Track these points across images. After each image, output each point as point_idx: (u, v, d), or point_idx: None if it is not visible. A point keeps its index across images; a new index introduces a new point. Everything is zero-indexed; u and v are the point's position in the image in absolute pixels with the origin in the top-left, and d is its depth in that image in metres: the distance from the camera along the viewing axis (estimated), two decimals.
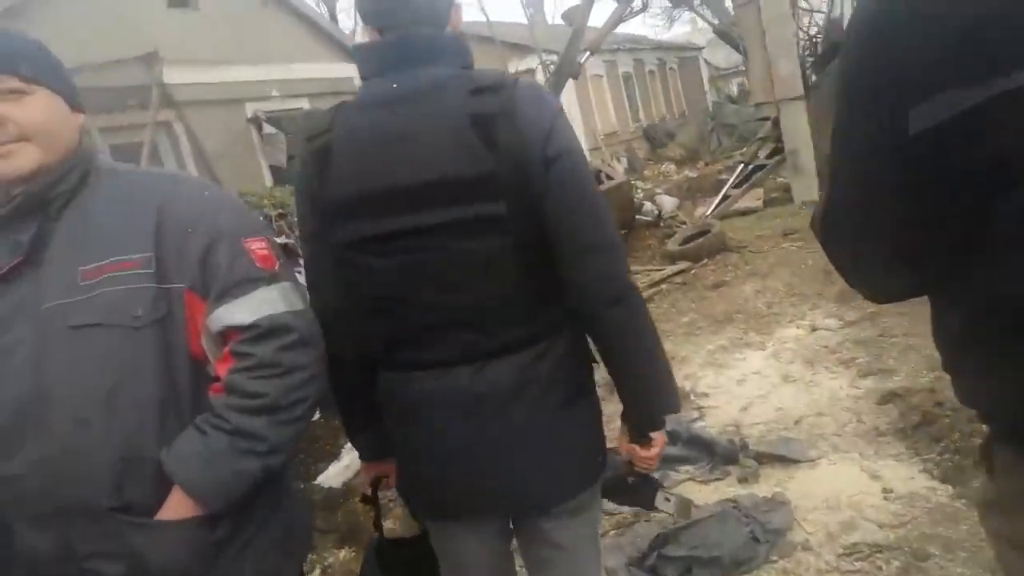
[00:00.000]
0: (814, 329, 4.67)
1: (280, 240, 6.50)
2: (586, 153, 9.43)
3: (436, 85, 1.27)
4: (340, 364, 1.40)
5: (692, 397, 4.09)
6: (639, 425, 1.45)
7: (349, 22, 24.57)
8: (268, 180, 9.33)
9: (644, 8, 9.49)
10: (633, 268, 8.02)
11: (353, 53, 1.34)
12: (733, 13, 15.45)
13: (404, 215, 1.28)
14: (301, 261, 1.47)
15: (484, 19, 15.36)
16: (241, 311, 1.22)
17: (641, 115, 24.06)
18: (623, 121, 22.43)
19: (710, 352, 4.76)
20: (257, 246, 1.27)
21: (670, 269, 7.17)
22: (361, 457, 1.65)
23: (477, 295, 1.32)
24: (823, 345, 4.37)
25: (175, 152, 8.49)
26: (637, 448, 1.45)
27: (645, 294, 6.74)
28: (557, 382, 1.37)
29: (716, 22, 10.88)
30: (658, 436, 1.45)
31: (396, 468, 1.54)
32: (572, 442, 1.42)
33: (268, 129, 9.43)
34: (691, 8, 9.84)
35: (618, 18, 9.05)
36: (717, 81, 31.28)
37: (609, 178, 8.73)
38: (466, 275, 1.30)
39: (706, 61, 30.87)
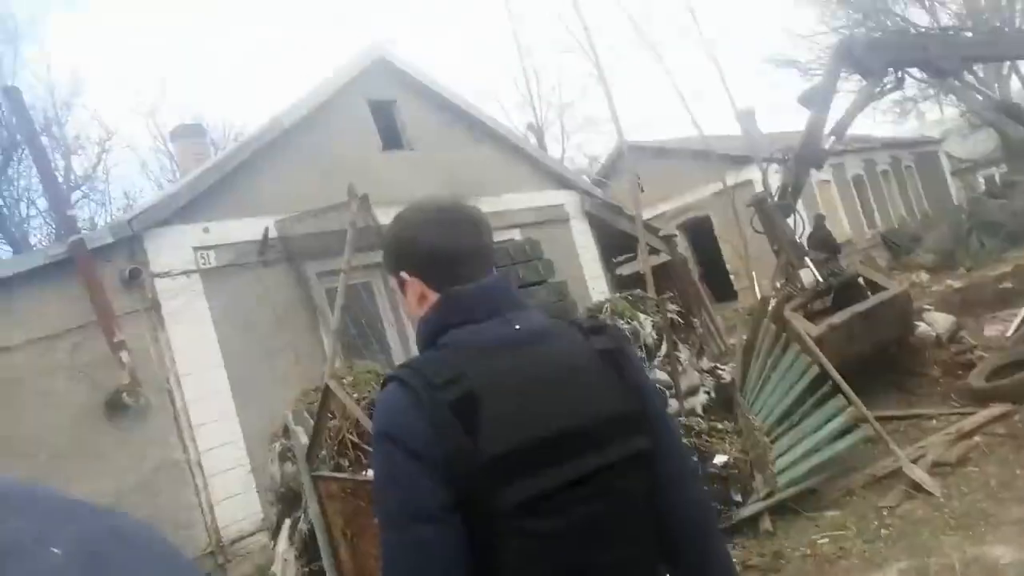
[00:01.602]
0: None
1: None
2: (811, 263, 7.96)
3: (553, 327, 1.25)
4: None
5: None
6: None
7: (558, 148, 25.33)
8: None
9: (898, 86, 8.01)
10: (923, 411, 6.24)
11: (447, 300, 1.22)
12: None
13: (588, 456, 1.13)
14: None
15: (698, 133, 14.72)
16: None
17: (877, 220, 21.69)
18: (857, 228, 20.26)
19: None
20: None
21: (984, 414, 5.44)
22: None
23: (642, 545, 1.18)
24: None
25: (388, 293, 8.32)
26: None
27: (953, 450, 5.05)
28: None
29: (993, 95, 9.11)
30: None
31: None
32: None
33: None
34: (958, 80, 8.16)
35: (868, 96, 7.67)
36: (963, 175, 27.85)
37: (878, 287, 7.17)
38: (634, 521, 1.17)
39: (947, 154, 27.75)
